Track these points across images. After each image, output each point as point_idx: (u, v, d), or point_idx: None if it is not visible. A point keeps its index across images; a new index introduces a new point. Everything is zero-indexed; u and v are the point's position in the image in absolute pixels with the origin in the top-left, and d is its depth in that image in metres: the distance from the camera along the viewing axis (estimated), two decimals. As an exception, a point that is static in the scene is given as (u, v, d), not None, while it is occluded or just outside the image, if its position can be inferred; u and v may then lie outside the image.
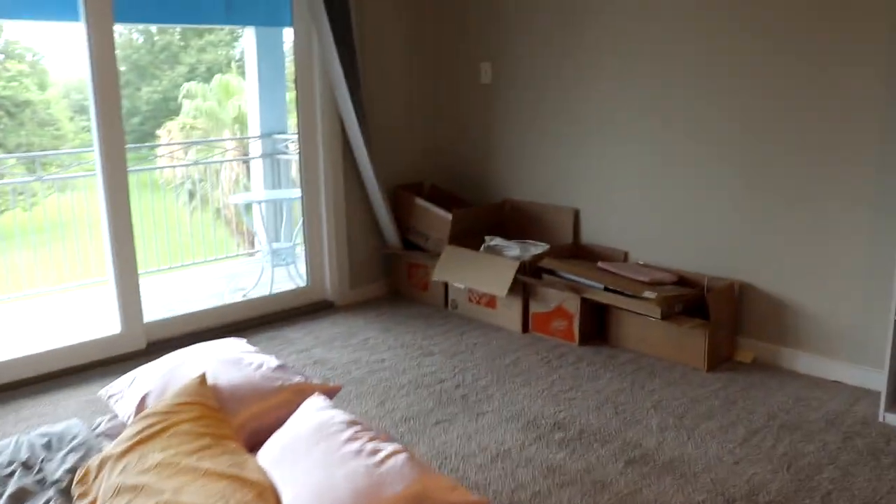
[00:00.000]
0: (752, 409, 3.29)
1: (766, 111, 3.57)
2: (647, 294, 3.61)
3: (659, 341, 3.78)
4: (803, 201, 3.52)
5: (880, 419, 3.16)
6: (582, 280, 3.89)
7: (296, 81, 4.42)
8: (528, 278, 4.08)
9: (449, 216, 4.45)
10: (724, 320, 3.70)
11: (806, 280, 3.58)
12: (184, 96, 13.84)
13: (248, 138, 7.17)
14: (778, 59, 3.50)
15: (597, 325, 4.06)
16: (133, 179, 6.60)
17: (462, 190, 4.98)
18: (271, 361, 2.54)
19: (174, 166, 8.38)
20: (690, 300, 3.76)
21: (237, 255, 6.44)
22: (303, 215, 4.64)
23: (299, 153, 4.53)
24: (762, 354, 3.77)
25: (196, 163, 7.27)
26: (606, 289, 3.80)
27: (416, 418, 3.26)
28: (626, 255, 4.21)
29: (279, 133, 6.23)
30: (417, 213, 4.66)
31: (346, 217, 4.64)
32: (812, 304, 3.58)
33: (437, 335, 4.19)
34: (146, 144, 12.15)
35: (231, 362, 2.52)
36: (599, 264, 4.04)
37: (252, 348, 2.71)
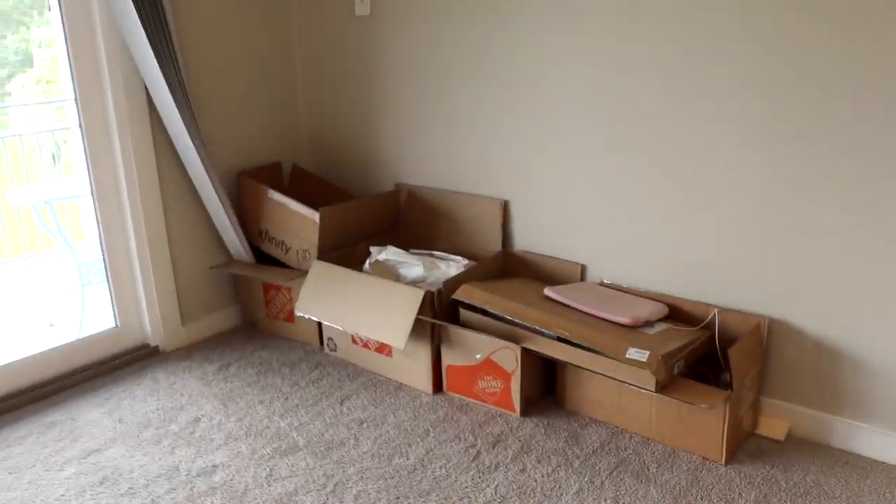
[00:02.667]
0: (826, 556, 1.92)
1: (812, 55, 2.13)
2: (634, 353, 2.16)
3: (647, 414, 2.35)
4: (874, 194, 2.09)
5: None
6: (524, 324, 2.43)
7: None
8: (438, 321, 2.59)
9: (315, 216, 2.88)
10: (749, 381, 2.31)
11: (877, 315, 2.17)
12: (38, 45, 11.70)
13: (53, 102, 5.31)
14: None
15: (546, 382, 2.60)
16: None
17: (337, 173, 3.38)
18: None
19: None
20: (696, 351, 2.34)
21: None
22: (96, 221, 2.98)
23: (79, 126, 2.86)
24: (800, 425, 2.38)
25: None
26: (562, 339, 2.35)
27: None
28: (582, 270, 2.74)
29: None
30: (271, 213, 3.06)
31: (165, 221, 3.00)
32: (887, 352, 2.21)
33: (305, 405, 2.64)
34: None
35: None
36: (547, 291, 2.57)
37: None
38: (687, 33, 2.29)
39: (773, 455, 2.28)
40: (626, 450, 2.32)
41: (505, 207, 2.85)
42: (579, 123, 2.59)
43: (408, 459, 2.30)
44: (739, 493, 2.11)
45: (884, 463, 2.25)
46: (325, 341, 2.97)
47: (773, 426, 2.37)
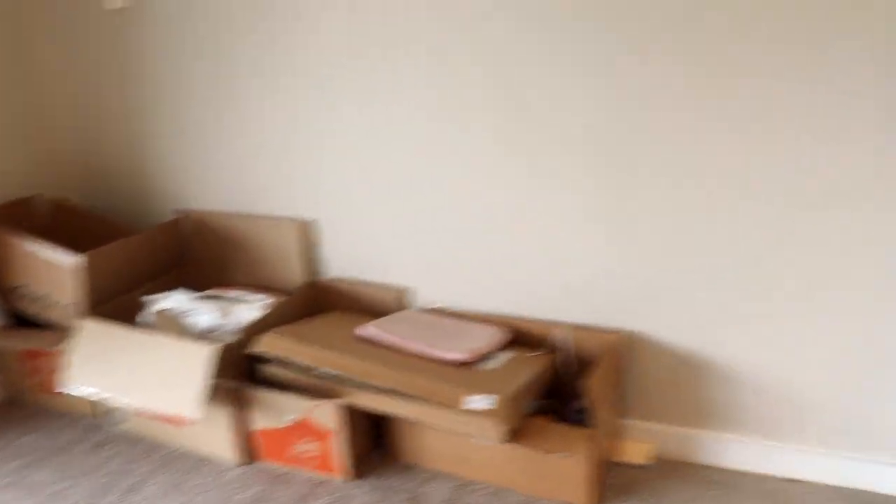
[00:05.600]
0: None
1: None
2: (476, 402, 1.74)
3: (496, 461, 1.92)
4: (738, 190, 1.81)
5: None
6: (338, 374, 1.95)
7: None
8: (235, 382, 2.06)
9: (75, 264, 2.26)
10: (608, 407, 1.95)
11: (740, 322, 1.86)
12: None
13: None
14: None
15: (376, 432, 2.11)
16: None
17: (109, 202, 2.71)
18: None
19: None
20: (546, 380, 1.96)
21: None
22: None
23: None
24: (666, 444, 2.04)
25: None
26: (383, 390, 1.89)
27: None
28: (406, 295, 2.28)
29: None
30: (22, 262, 2.38)
31: None
32: (751, 359, 1.92)
33: (81, 505, 2.06)
34: None
35: None
36: (359, 331, 2.11)
37: None
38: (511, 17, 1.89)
39: (642, 485, 1.94)
40: (476, 507, 1.91)
41: (308, 230, 2.35)
42: (400, 133, 2.13)
43: (213, 565, 1.78)
44: (612, 545, 1.76)
45: (755, 474, 1.96)
46: (107, 413, 2.37)
47: (637, 450, 2.03)
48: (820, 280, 1.77)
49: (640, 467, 2.00)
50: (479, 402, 1.69)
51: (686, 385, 1.98)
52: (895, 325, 1.73)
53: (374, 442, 2.13)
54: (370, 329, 2.05)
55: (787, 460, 1.93)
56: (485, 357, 1.92)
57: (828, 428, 1.88)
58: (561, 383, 2.00)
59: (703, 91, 1.73)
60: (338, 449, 1.98)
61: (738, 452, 1.97)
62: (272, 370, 2.01)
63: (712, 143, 1.76)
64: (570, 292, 2.02)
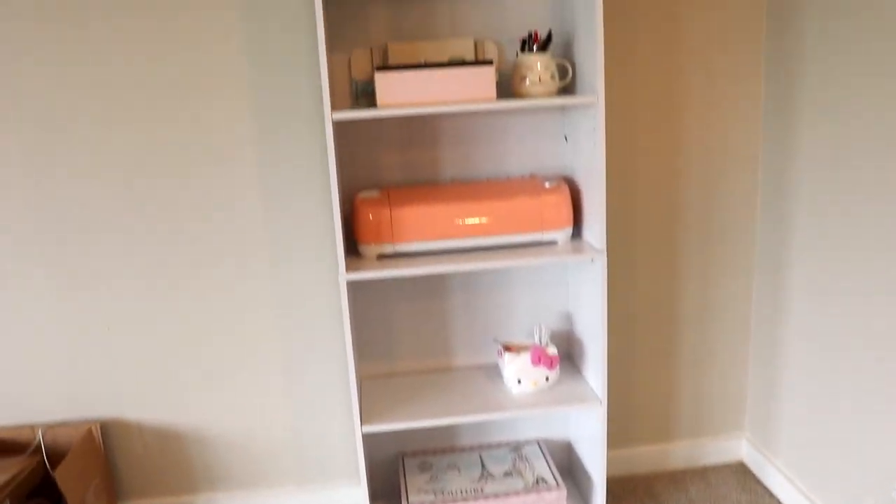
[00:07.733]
0: None
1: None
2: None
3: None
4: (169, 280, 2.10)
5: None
6: None
7: None
8: None
9: None
10: (93, 495, 2.04)
11: (202, 389, 2.14)
12: None
13: None
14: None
15: None
16: None
17: None
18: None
19: None
20: (26, 483, 2.01)
21: None
22: None
23: None
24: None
25: None
26: None
27: None
28: None
29: None
30: None
31: None
32: (219, 421, 2.19)
33: None
34: None
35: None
36: None
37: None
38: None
39: (139, 560, 2.09)
40: None
41: None
42: None
43: None
44: None
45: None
46: None
47: (137, 529, 2.18)
48: (241, 345, 2.14)
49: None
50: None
51: (169, 457, 2.19)
52: (305, 373, 2.17)
53: None
54: None
55: (270, 502, 2.25)
56: (-40, 473, 1.93)
57: (291, 468, 2.24)
58: (50, 482, 2.07)
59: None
60: None
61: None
62: None
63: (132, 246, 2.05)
64: (40, 393, 2.11)
